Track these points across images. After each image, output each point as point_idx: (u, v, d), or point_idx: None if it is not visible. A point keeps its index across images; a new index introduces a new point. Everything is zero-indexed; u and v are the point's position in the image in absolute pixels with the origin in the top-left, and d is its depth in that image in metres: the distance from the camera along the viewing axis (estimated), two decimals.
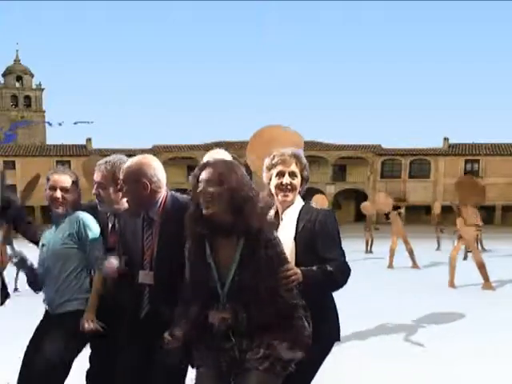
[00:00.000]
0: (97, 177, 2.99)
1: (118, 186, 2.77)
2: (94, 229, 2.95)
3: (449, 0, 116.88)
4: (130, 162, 2.68)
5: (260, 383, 2.24)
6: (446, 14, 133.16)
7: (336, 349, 2.77)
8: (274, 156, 2.71)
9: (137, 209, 2.69)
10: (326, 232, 2.56)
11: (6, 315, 4.90)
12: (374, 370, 4.78)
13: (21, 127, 53.90)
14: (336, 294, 2.70)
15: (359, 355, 5.25)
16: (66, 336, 2.84)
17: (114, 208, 2.99)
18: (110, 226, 3.04)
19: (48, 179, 3.00)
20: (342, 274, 2.52)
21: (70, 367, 2.95)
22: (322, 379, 2.77)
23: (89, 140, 49.53)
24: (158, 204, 2.68)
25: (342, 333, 2.77)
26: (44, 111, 66.45)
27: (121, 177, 2.66)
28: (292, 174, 2.66)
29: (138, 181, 2.60)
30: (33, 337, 3.01)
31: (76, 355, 2.97)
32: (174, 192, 2.78)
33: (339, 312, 2.75)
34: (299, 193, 2.72)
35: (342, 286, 2.56)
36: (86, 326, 2.79)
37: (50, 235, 3.02)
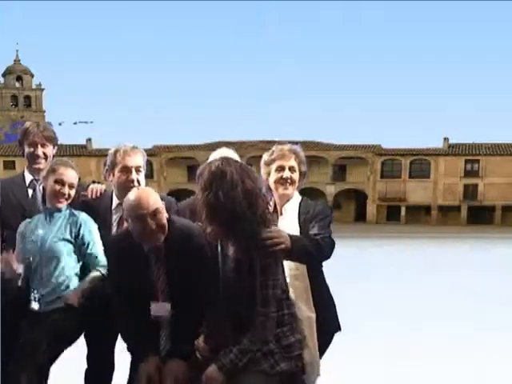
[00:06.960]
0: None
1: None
2: (94, 232, 2.87)
3: (449, 0, 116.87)
4: (145, 192, 2.46)
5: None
6: (446, 14, 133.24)
7: (334, 348, 2.77)
8: (272, 151, 2.73)
9: (156, 240, 2.45)
10: (319, 214, 2.59)
11: None
12: (374, 369, 4.78)
13: (21, 127, 53.73)
14: (334, 292, 2.71)
15: (358, 355, 5.26)
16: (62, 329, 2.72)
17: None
18: (114, 218, 2.93)
19: (54, 170, 2.87)
20: (326, 244, 2.48)
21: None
22: (321, 378, 2.77)
23: (89, 140, 49.54)
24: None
25: (342, 331, 2.77)
26: (44, 111, 66.32)
27: (153, 206, 2.41)
28: (291, 169, 2.68)
29: (162, 209, 2.45)
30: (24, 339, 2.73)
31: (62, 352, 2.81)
32: (172, 216, 2.56)
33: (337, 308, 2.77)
34: (297, 188, 2.74)
35: (328, 256, 2.52)
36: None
37: (43, 230, 2.83)
